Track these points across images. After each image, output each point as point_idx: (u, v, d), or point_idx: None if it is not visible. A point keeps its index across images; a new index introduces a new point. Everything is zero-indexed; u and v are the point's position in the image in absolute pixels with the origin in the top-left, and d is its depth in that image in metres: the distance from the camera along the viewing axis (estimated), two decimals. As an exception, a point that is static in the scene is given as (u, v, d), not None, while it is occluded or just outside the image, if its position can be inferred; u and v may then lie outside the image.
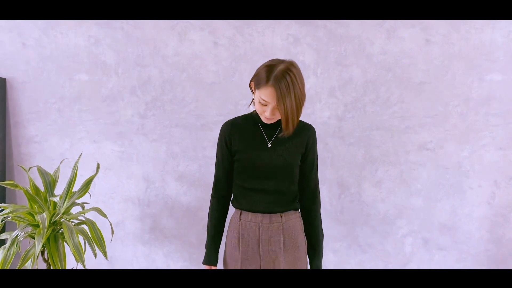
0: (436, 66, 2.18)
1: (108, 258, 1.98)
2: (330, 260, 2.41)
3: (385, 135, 2.26)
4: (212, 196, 1.77)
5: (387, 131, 2.26)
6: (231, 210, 1.76)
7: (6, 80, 2.40)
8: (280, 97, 1.46)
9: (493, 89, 2.17)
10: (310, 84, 2.26)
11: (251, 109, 1.65)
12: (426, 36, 2.16)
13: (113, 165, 2.44)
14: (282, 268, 1.69)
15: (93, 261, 2.38)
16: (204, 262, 1.77)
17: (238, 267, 1.71)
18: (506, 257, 2.31)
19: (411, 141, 2.25)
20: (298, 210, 1.74)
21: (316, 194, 1.73)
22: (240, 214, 1.71)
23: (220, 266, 2.01)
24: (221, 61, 2.27)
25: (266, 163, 1.63)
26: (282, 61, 1.50)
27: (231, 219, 1.76)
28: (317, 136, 2.31)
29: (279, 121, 1.62)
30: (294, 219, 1.71)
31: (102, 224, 2.22)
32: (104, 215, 1.99)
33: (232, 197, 1.76)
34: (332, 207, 2.35)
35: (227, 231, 1.76)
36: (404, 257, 2.36)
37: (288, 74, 1.46)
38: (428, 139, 2.24)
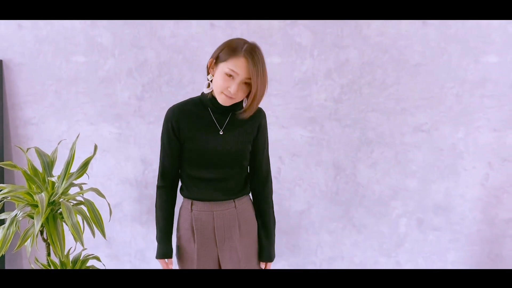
0: (432, 48, 2.19)
1: (106, 238, 2.00)
2: (326, 241, 2.45)
3: (381, 117, 2.28)
4: (159, 186, 1.66)
5: (382, 113, 2.27)
6: (179, 199, 1.70)
7: (3, 62, 2.39)
8: (253, 70, 1.41)
9: (489, 71, 2.18)
10: (307, 66, 2.26)
11: (205, 91, 1.56)
12: (422, 19, 2.16)
13: (111, 147, 2.45)
14: (239, 254, 1.64)
15: (92, 241, 2.41)
16: (158, 257, 1.67)
17: (195, 260, 1.64)
18: (499, 237, 2.35)
19: (407, 123, 2.27)
20: (249, 193, 1.73)
21: (267, 179, 1.69)
22: (192, 204, 1.64)
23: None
24: (218, 43, 2.24)
25: (218, 151, 1.56)
26: (246, 40, 1.48)
27: (180, 210, 1.69)
28: (314, 118, 2.33)
29: (230, 107, 1.55)
30: (246, 202, 1.69)
31: (100, 206, 2.24)
32: (102, 196, 2.01)
33: (180, 186, 1.68)
34: (328, 188, 2.38)
35: (178, 224, 1.69)
36: (399, 237, 2.40)
37: (258, 51, 1.44)
38: (423, 121, 2.26)
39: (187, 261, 1.67)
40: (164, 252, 1.67)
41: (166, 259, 1.70)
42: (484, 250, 2.38)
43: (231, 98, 1.47)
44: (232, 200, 1.64)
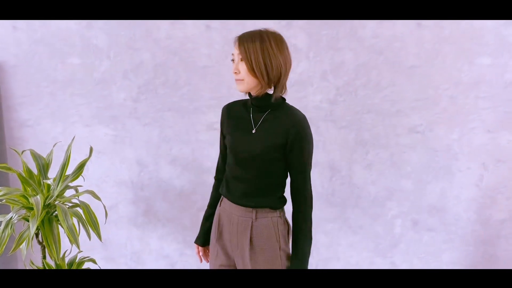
0: (427, 50, 2.20)
1: (102, 240, 2.00)
2: (322, 242, 2.46)
3: (376, 119, 2.29)
4: (214, 177, 1.80)
5: (378, 115, 2.28)
6: None
7: (-3, 64, 2.38)
8: (240, 42, 1.45)
9: (483, 72, 2.19)
10: (302, 68, 2.27)
11: None
12: (417, 19, 2.18)
13: (106, 149, 2.45)
14: (250, 266, 1.59)
15: (87, 244, 2.40)
16: (195, 240, 1.83)
17: (214, 255, 1.68)
18: (493, 238, 2.37)
19: (402, 124, 2.28)
20: (278, 209, 1.61)
21: (298, 198, 1.55)
22: (221, 200, 1.68)
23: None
24: (214, 44, 2.27)
25: (245, 150, 1.55)
26: None
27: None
28: (309, 119, 2.33)
29: (267, 103, 1.53)
30: (269, 219, 1.58)
31: (96, 208, 2.23)
32: (98, 198, 2.00)
33: None
34: (324, 190, 2.39)
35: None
36: (394, 238, 2.41)
37: (255, 30, 1.47)
38: (418, 122, 2.27)
39: (211, 254, 1.73)
40: (197, 236, 1.82)
41: (197, 245, 1.82)
42: (478, 250, 2.39)
43: (238, 80, 1.49)
44: (251, 209, 1.58)
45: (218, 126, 2.32)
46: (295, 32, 2.23)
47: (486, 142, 2.26)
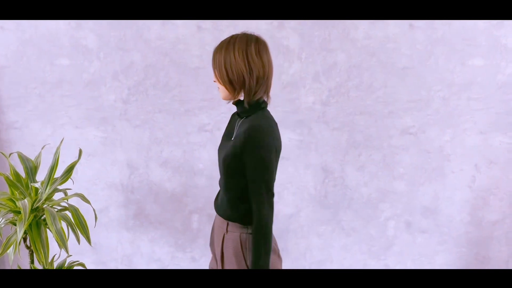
0: (420, 51, 2.19)
1: (92, 244, 1.97)
2: (315, 244, 2.44)
3: (369, 120, 2.28)
4: None
5: (370, 116, 2.27)
6: None
7: (-16, 65, 2.34)
8: (214, 54, 1.47)
9: (475, 74, 2.19)
10: (295, 69, 2.25)
11: None
12: (409, 20, 2.17)
13: (96, 151, 2.41)
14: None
15: (77, 247, 2.36)
16: None
17: (211, 256, 1.75)
18: (486, 239, 2.37)
19: (394, 126, 2.27)
20: (249, 225, 1.49)
21: (254, 208, 1.40)
22: None
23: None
24: (205, 46, 2.25)
25: (219, 157, 1.54)
26: None
27: None
28: (302, 121, 2.32)
29: (243, 110, 1.49)
30: (238, 234, 1.50)
31: (85, 211, 2.20)
32: (87, 201, 1.97)
33: None
34: (316, 192, 2.37)
35: None
36: (387, 240, 2.40)
37: (227, 38, 1.46)
38: (411, 123, 2.26)
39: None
40: None
41: None
42: (471, 251, 2.39)
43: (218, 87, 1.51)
44: (225, 221, 1.53)
45: (209, 128, 2.31)
46: (287, 33, 2.21)
47: (478, 143, 2.26)
